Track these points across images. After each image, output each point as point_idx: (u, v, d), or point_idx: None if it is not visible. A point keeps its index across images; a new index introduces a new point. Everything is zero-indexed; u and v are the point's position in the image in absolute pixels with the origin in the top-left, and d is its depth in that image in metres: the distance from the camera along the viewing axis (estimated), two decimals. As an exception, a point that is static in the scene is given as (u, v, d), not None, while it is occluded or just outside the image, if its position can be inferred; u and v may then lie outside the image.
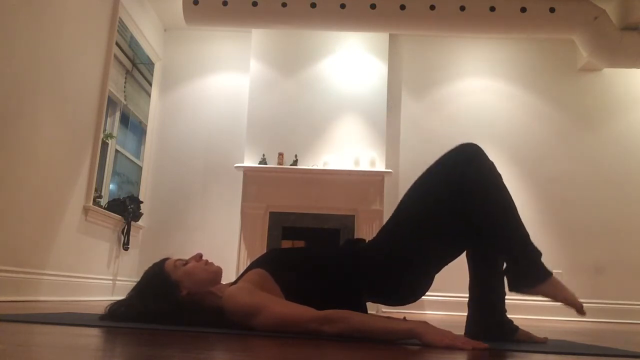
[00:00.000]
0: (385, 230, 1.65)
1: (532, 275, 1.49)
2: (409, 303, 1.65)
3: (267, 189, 5.25)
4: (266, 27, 5.30)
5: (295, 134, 5.41)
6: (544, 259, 1.51)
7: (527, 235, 1.53)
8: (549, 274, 1.50)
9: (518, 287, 1.50)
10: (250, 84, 5.53)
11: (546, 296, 1.48)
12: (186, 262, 1.64)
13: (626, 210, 5.39)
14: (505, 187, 1.57)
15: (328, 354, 1.07)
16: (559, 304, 1.48)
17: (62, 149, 3.75)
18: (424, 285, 1.62)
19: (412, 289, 1.62)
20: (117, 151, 4.98)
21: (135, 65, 5.27)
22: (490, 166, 1.58)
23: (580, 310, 1.47)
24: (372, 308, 4.60)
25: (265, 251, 5.00)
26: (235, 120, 5.63)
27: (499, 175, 1.58)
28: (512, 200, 1.55)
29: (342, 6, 4.79)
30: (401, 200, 1.66)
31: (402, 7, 4.79)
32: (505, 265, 1.55)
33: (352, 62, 5.57)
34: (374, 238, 1.68)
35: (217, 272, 1.65)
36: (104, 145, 4.69)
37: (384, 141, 5.37)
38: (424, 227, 1.58)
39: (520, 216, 1.55)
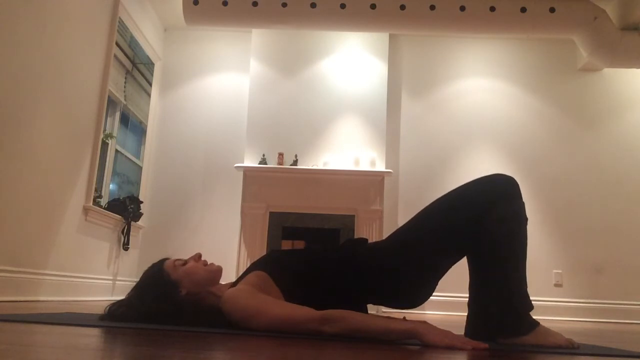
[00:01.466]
0: (398, 236, 1.63)
1: (521, 326, 1.49)
2: (411, 307, 1.64)
3: (267, 189, 5.25)
4: (266, 27, 5.30)
5: (295, 134, 5.41)
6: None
7: (526, 289, 1.54)
8: (536, 324, 1.50)
9: (507, 335, 1.49)
10: (250, 84, 5.53)
11: (534, 344, 1.47)
12: (185, 262, 1.64)
13: (626, 210, 5.39)
14: (524, 235, 1.54)
15: (328, 354, 1.07)
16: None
17: (62, 149, 3.75)
18: (427, 290, 1.62)
19: (414, 293, 1.61)
20: (117, 151, 4.98)
21: (135, 65, 5.27)
22: (520, 210, 1.55)
23: (572, 346, 1.47)
24: (372, 308, 4.60)
25: (265, 251, 5.02)
26: (235, 120, 5.63)
27: (526, 220, 1.56)
28: (525, 251, 1.53)
29: (342, 6, 4.79)
30: (423, 211, 1.63)
31: (402, 7, 4.79)
32: (491, 312, 1.52)
33: (352, 62, 5.57)
34: (382, 241, 1.67)
35: (217, 272, 1.65)
36: (104, 145, 4.69)
37: (384, 141, 5.37)
38: (433, 239, 1.58)
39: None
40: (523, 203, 1.59)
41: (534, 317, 1.56)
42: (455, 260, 1.64)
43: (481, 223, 1.52)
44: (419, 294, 1.62)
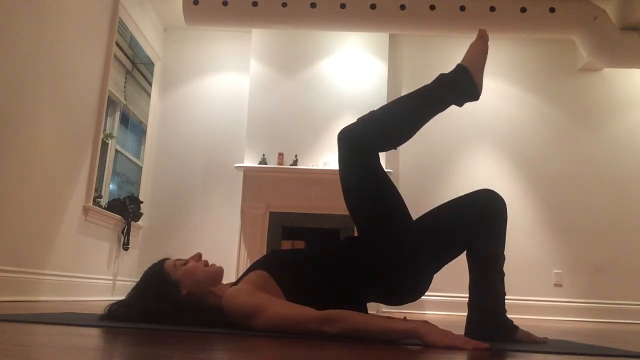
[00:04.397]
0: (369, 235, 1.66)
1: (461, 84, 1.70)
2: (408, 302, 1.65)
3: (267, 189, 5.25)
4: (266, 27, 5.30)
5: (295, 134, 5.41)
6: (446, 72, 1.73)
7: (427, 86, 1.72)
8: (462, 66, 1.72)
9: (472, 95, 1.74)
10: (250, 84, 5.53)
11: (481, 66, 1.71)
12: (186, 262, 1.64)
13: (626, 210, 5.39)
14: (382, 109, 1.72)
15: (328, 354, 1.07)
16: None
17: (62, 149, 3.75)
18: (424, 284, 1.63)
19: (411, 288, 1.63)
20: (117, 151, 4.98)
21: (135, 65, 5.27)
22: (363, 119, 1.69)
23: (483, 34, 1.73)
24: (372, 308, 4.60)
25: (265, 251, 5.02)
26: (235, 120, 5.63)
27: (371, 112, 1.71)
28: (394, 102, 1.73)
29: (342, 6, 4.79)
30: (353, 212, 1.68)
31: (402, 7, 4.79)
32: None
33: (352, 62, 5.57)
34: (370, 236, 1.68)
35: (218, 272, 1.65)
36: (104, 145, 4.69)
37: (384, 141, 5.36)
38: (427, 242, 1.62)
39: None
40: (357, 121, 1.69)
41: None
42: (452, 251, 1.67)
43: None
44: (417, 290, 1.63)
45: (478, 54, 1.69)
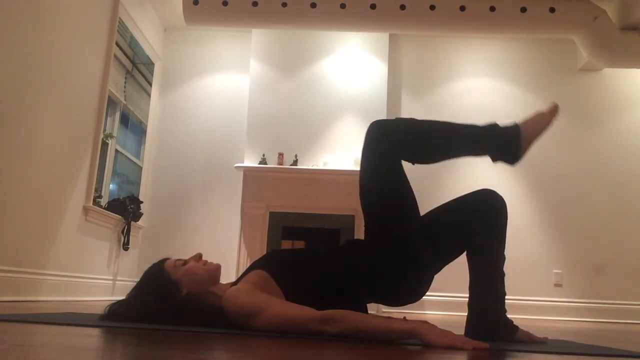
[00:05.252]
0: (373, 234, 1.66)
1: (509, 141, 1.62)
2: (409, 303, 1.65)
3: (267, 189, 5.25)
4: (266, 27, 5.30)
5: (295, 134, 5.41)
6: (501, 124, 1.64)
7: (474, 125, 1.64)
8: (516, 126, 1.63)
9: (513, 158, 1.65)
10: (250, 84, 5.53)
11: (535, 138, 1.62)
12: (186, 262, 1.64)
13: (626, 210, 5.39)
14: (422, 121, 1.65)
15: (328, 354, 1.07)
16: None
17: (62, 149, 3.75)
18: (424, 285, 1.63)
19: (412, 289, 1.63)
20: (117, 151, 4.98)
21: (135, 65, 5.27)
22: (400, 121, 1.67)
23: (555, 109, 1.64)
24: (372, 308, 4.59)
25: (265, 251, 5.02)
26: (235, 120, 5.63)
27: (411, 119, 1.66)
28: (436, 121, 1.65)
29: (342, 6, 4.79)
30: (365, 206, 1.67)
31: (402, 7, 4.79)
32: (490, 155, 1.65)
33: (352, 62, 5.57)
34: (368, 241, 1.68)
35: (216, 270, 1.65)
36: (104, 145, 4.69)
37: (384, 141, 5.36)
38: (427, 241, 1.62)
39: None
40: (394, 119, 1.68)
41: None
42: (452, 252, 1.66)
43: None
44: (418, 290, 1.63)
45: (539, 126, 1.59)
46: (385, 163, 1.60)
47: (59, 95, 3.64)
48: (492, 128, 1.61)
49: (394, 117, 1.63)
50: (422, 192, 5.77)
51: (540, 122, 1.59)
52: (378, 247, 1.62)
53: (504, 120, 1.66)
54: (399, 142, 1.61)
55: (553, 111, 1.59)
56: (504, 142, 1.60)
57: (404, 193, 1.62)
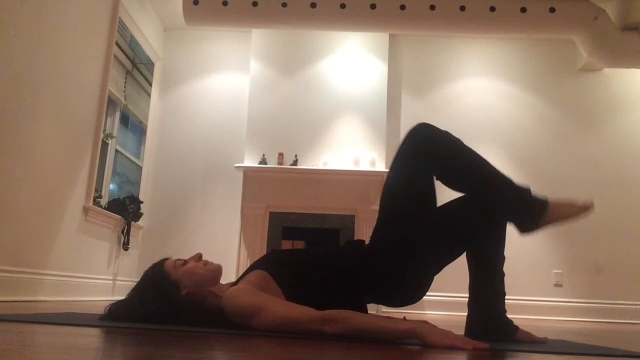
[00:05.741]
0: (380, 232, 1.65)
1: (532, 211, 1.54)
2: (409, 304, 1.65)
3: (267, 189, 5.25)
4: (266, 27, 5.30)
5: (295, 134, 5.41)
6: (534, 192, 1.57)
7: (510, 180, 1.58)
8: (545, 202, 1.54)
9: (528, 228, 1.56)
10: (250, 84, 5.53)
11: (556, 222, 1.51)
12: (185, 262, 1.64)
13: (626, 210, 5.39)
14: (468, 147, 1.62)
15: (328, 354, 1.07)
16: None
17: (62, 149, 3.75)
18: (424, 286, 1.63)
19: (412, 290, 1.62)
20: (117, 151, 4.98)
21: (135, 65, 5.27)
22: (448, 136, 1.62)
23: (589, 207, 1.51)
24: (372, 308, 4.59)
25: (265, 251, 5.02)
26: (235, 120, 5.63)
27: (459, 140, 1.63)
28: (482, 157, 1.61)
29: (342, 6, 4.79)
30: (384, 201, 1.67)
31: (402, 7, 4.79)
32: (505, 215, 1.60)
33: (352, 62, 5.57)
34: (371, 239, 1.68)
35: (217, 270, 1.65)
36: (104, 145, 4.69)
37: (384, 141, 5.37)
38: (415, 220, 1.60)
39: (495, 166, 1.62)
40: (445, 132, 1.63)
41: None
42: (452, 252, 1.65)
43: (436, 172, 1.59)
44: (417, 291, 1.62)
45: (567, 214, 1.51)
46: (423, 169, 1.59)
47: (59, 95, 3.64)
48: (524, 191, 1.56)
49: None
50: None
51: (569, 211, 1.52)
52: (381, 246, 1.62)
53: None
54: (441, 156, 1.59)
55: (586, 207, 1.50)
56: (527, 209, 1.54)
57: (431, 200, 1.60)
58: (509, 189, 1.57)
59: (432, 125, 1.62)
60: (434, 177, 1.61)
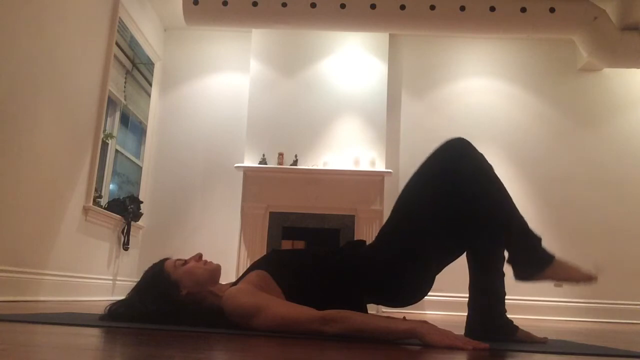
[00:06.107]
0: (385, 232, 1.65)
1: (535, 262, 1.52)
2: (410, 304, 1.65)
3: (267, 189, 5.25)
4: (266, 27, 5.30)
5: (295, 134, 5.41)
6: (544, 244, 1.54)
7: (526, 223, 1.56)
8: (552, 257, 1.50)
9: (524, 276, 1.53)
10: (250, 84, 5.53)
11: (554, 280, 1.48)
12: (185, 262, 1.64)
13: (626, 210, 5.39)
14: (498, 179, 1.59)
15: (328, 354, 1.07)
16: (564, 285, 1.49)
17: (62, 149, 3.75)
18: (425, 287, 1.62)
19: (413, 290, 1.62)
20: (117, 151, 4.98)
21: (135, 65, 5.27)
22: (481, 159, 1.60)
23: (592, 279, 1.47)
24: (372, 308, 4.59)
25: (265, 251, 5.02)
26: (235, 120, 5.63)
27: (490, 167, 1.60)
28: (506, 191, 1.58)
29: (342, 6, 4.79)
30: (397, 202, 1.65)
31: (402, 7, 4.79)
32: (508, 255, 1.57)
33: (352, 62, 5.57)
34: (374, 240, 1.68)
35: (216, 270, 1.65)
36: (104, 145, 4.69)
37: (384, 141, 5.37)
38: (423, 227, 1.59)
39: (518, 207, 1.58)
40: (480, 154, 1.61)
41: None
42: (453, 252, 1.64)
43: (458, 190, 1.55)
44: (417, 292, 1.62)
45: (568, 276, 1.49)
46: (447, 184, 1.56)
47: (59, 95, 3.64)
48: (536, 240, 1.53)
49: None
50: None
51: (571, 275, 1.49)
52: (386, 249, 1.61)
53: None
54: (467, 176, 1.55)
55: (589, 278, 1.47)
56: (532, 259, 1.52)
57: (448, 216, 1.57)
58: (522, 233, 1.54)
59: (469, 144, 1.60)
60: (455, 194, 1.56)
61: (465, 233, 1.61)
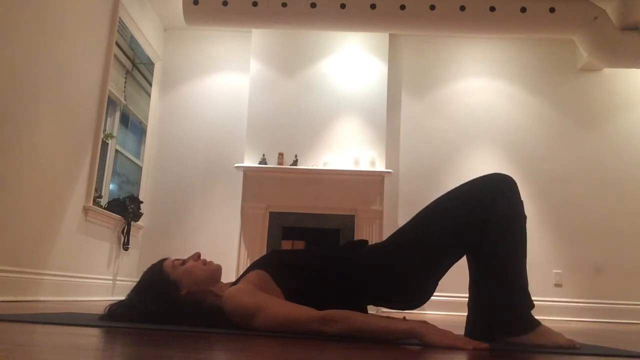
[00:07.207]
0: (401, 240, 1.64)
1: (519, 326, 1.49)
2: (411, 308, 1.65)
3: (267, 189, 5.25)
4: (266, 27, 5.30)
5: (295, 134, 5.41)
6: (533, 311, 1.53)
7: (526, 287, 1.54)
8: (537, 324, 1.50)
9: (504, 335, 1.51)
10: (250, 84, 5.53)
11: (535, 344, 1.47)
12: (184, 262, 1.64)
13: (626, 210, 5.39)
14: (525, 232, 1.58)
15: (328, 354, 1.07)
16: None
17: (62, 149, 3.75)
18: (428, 290, 1.62)
19: (414, 294, 1.61)
20: (117, 151, 4.98)
21: (135, 65, 5.27)
22: (520, 206, 1.59)
23: (573, 346, 1.46)
24: (372, 308, 4.59)
25: (265, 251, 5.02)
26: (235, 120, 5.63)
27: (525, 218, 1.59)
28: (526, 248, 1.57)
29: (342, 6, 4.79)
30: (423, 212, 1.65)
31: (402, 7, 4.79)
32: (495, 311, 1.54)
33: (352, 62, 5.57)
34: (386, 241, 1.67)
35: (216, 270, 1.65)
36: (104, 145, 4.69)
37: (384, 141, 5.37)
38: (441, 245, 1.59)
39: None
40: (521, 201, 1.60)
41: (535, 316, 1.55)
42: (456, 259, 1.64)
43: (481, 222, 1.55)
44: (419, 295, 1.62)
45: (549, 341, 1.46)
46: (478, 212, 1.55)
47: (59, 95, 3.64)
48: (528, 306, 1.53)
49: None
50: (420, 192, 5.77)
51: (552, 340, 1.47)
52: (395, 251, 1.61)
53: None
54: (497, 212, 1.54)
55: (568, 346, 1.45)
56: (519, 322, 1.50)
57: (468, 239, 1.57)
58: (520, 293, 1.53)
59: (515, 185, 1.59)
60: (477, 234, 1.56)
61: (472, 241, 1.59)
